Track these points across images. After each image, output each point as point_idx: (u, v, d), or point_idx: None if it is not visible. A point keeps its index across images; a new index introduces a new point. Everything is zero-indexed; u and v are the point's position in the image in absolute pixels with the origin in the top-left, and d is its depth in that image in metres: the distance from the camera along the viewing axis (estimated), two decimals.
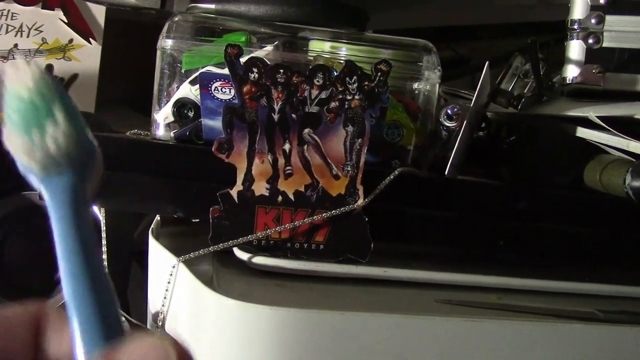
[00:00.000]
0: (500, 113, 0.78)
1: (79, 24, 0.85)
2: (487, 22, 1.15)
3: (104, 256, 0.75)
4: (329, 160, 0.62)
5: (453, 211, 0.67)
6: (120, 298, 0.79)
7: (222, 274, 0.62)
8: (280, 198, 0.62)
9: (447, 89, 0.90)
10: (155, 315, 0.63)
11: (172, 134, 0.68)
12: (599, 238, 0.69)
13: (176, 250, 0.63)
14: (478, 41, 1.21)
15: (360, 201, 0.62)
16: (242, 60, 0.61)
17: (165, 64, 0.68)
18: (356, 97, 0.61)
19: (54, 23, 0.85)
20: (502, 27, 1.14)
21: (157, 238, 0.68)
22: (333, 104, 0.61)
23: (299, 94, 0.61)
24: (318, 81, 0.61)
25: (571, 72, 0.71)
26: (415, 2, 1.10)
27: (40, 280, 0.77)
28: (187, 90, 0.67)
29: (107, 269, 0.74)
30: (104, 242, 0.75)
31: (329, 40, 0.69)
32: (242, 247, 0.62)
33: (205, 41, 0.68)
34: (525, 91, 0.75)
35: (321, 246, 0.63)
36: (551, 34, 0.86)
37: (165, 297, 0.61)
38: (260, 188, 0.62)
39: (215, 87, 0.64)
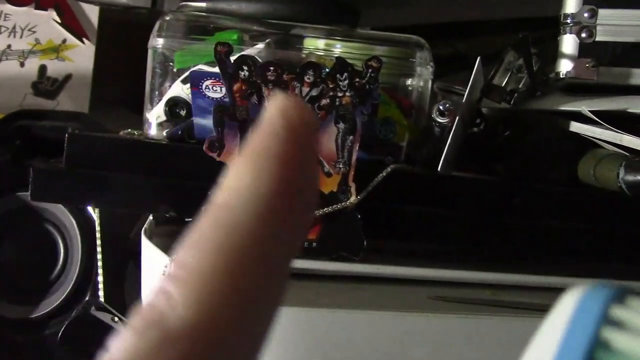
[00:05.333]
0: (495, 108, 0.78)
1: (72, 24, 0.85)
2: (485, 18, 1.15)
3: (99, 256, 0.75)
4: (321, 158, 0.62)
5: (446, 207, 0.67)
6: (116, 298, 0.79)
7: None
8: None
9: (442, 85, 0.90)
10: None
11: (164, 133, 0.68)
12: (594, 233, 0.69)
13: (169, 250, 0.63)
14: (476, 37, 1.21)
15: (353, 198, 0.62)
16: (233, 58, 0.60)
17: (157, 63, 0.68)
18: (347, 94, 0.61)
19: (47, 23, 0.85)
20: (500, 22, 1.13)
21: (150, 238, 0.67)
22: (324, 101, 0.61)
23: (289, 92, 0.61)
24: (309, 78, 0.61)
25: (564, 66, 0.70)
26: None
27: (34, 280, 0.77)
28: (179, 89, 0.67)
29: (103, 270, 0.74)
30: (99, 242, 0.75)
31: (322, 38, 0.69)
32: None
33: (196, 40, 0.68)
34: (519, 86, 0.75)
35: (313, 244, 0.63)
36: (547, 28, 0.86)
37: None
38: None
39: (206, 85, 0.64)
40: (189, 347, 0.19)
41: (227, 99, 0.61)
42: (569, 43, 0.70)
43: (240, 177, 0.22)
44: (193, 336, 0.19)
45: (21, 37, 0.84)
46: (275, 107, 0.23)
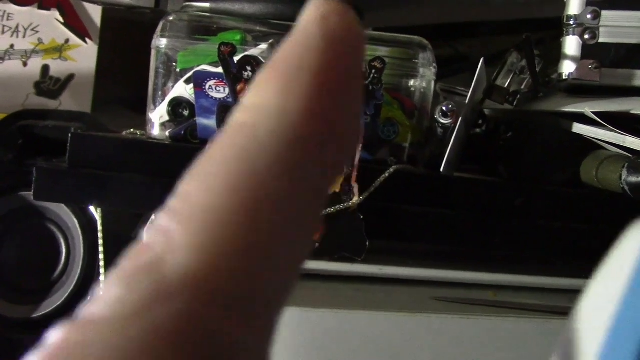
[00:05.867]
0: (497, 109, 0.78)
1: (75, 24, 0.85)
2: (487, 19, 1.15)
3: (101, 256, 0.75)
4: None
5: (449, 208, 0.67)
6: None
7: None
8: None
9: (444, 86, 0.90)
10: None
11: (167, 133, 0.68)
12: (596, 234, 0.69)
13: None
14: (478, 38, 1.21)
15: (355, 199, 0.62)
16: (236, 58, 0.61)
17: (160, 63, 0.68)
18: None
19: (50, 23, 0.85)
20: (502, 24, 1.13)
21: None
22: None
23: None
24: None
25: (567, 68, 0.70)
26: (414, 0, 1.10)
27: (36, 280, 0.77)
28: (182, 89, 0.67)
29: (105, 269, 0.74)
30: (101, 242, 0.75)
31: None
32: None
33: (199, 40, 0.68)
34: (521, 87, 0.75)
35: (316, 244, 0.63)
36: (550, 30, 0.86)
37: None
38: None
39: (210, 85, 0.64)
40: (187, 303, 0.15)
41: (230, 99, 0.61)
42: (571, 44, 0.70)
43: (265, 94, 0.17)
44: (194, 289, 0.15)
45: (24, 37, 0.84)
46: (313, 12, 0.18)
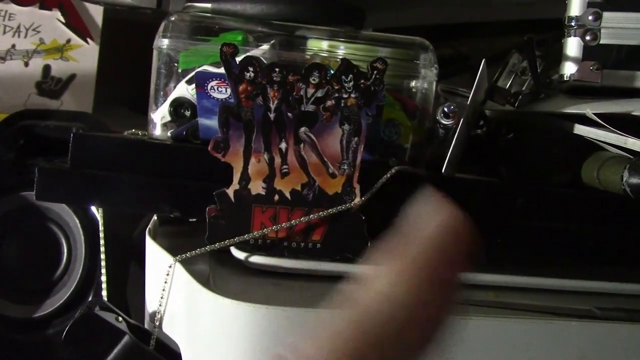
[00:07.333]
0: (499, 110, 0.78)
1: (77, 24, 0.85)
2: (488, 20, 1.15)
3: (102, 256, 0.75)
4: (325, 159, 0.62)
5: None
6: (119, 298, 0.79)
7: (218, 273, 0.62)
8: (276, 197, 0.62)
9: (445, 87, 0.90)
10: (153, 315, 0.63)
11: (169, 134, 0.68)
12: (597, 235, 0.69)
13: (173, 250, 0.63)
14: (479, 39, 1.21)
15: (357, 200, 0.62)
16: (238, 59, 0.61)
17: (162, 63, 0.68)
18: (352, 95, 0.61)
19: (52, 23, 0.85)
20: (503, 24, 1.13)
21: (154, 238, 0.68)
22: (329, 103, 0.61)
23: (294, 93, 0.61)
24: (314, 80, 0.61)
25: (569, 69, 0.70)
26: (415, 1, 1.10)
27: (37, 280, 0.77)
28: (184, 90, 0.67)
29: (106, 269, 0.74)
30: (102, 242, 0.75)
31: (326, 39, 0.69)
32: (239, 246, 0.62)
33: (201, 40, 0.68)
34: (523, 88, 0.75)
35: (318, 245, 0.63)
36: (551, 31, 0.86)
37: (162, 297, 0.61)
38: (257, 187, 0.61)
39: (212, 86, 0.64)
40: None
41: (232, 100, 0.61)
42: (573, 46, 0.70)
43: (381, 278, 0.21)
44: None
45: (25, 36, 0.84)
46: (447, 222, 0.22)
